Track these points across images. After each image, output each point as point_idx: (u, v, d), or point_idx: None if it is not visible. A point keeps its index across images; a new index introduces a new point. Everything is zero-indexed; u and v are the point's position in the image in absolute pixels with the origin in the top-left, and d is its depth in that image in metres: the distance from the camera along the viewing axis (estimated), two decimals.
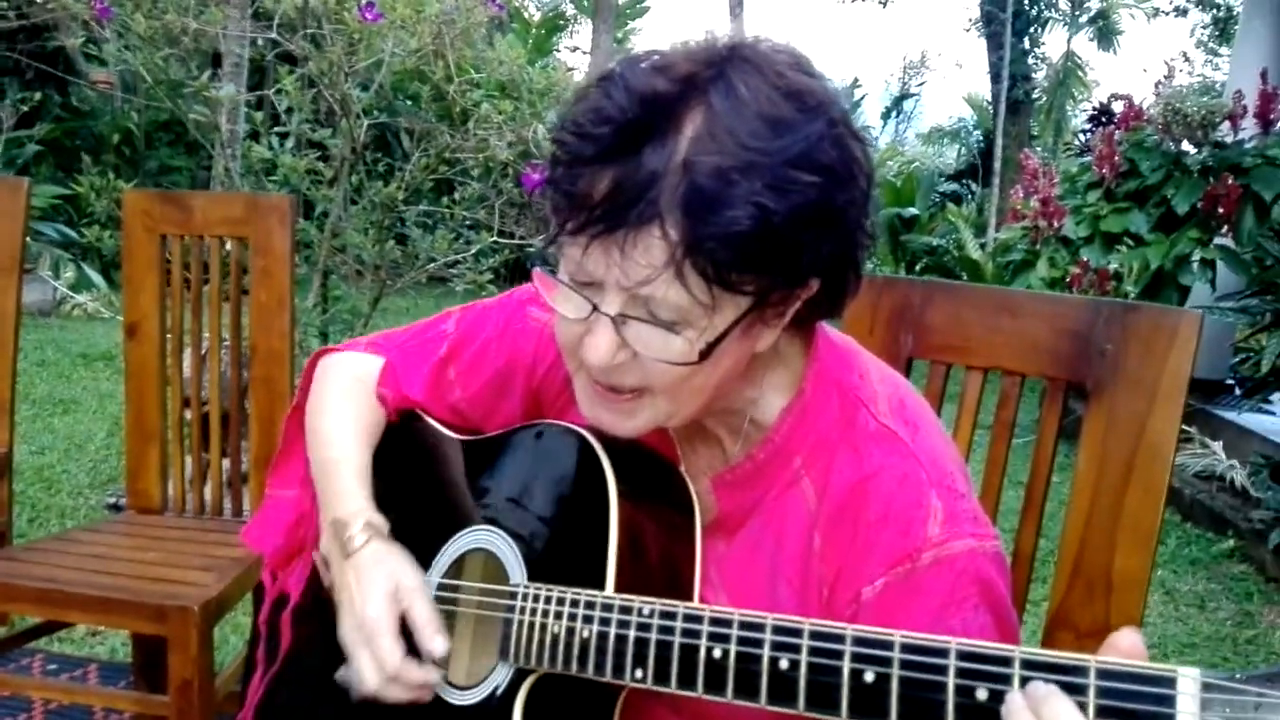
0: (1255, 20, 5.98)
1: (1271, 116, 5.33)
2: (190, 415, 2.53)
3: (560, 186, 0.84)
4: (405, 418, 1.19)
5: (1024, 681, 0.68)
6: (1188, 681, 0.63)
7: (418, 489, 1.14)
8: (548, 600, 0.93)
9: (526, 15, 13.96)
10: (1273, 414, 4.69)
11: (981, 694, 0.70)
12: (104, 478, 4.19)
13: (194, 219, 2.16)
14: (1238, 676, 0.62)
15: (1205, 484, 4.67)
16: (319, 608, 1.13)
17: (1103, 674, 0.66)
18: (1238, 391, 4.78)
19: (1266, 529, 3.96)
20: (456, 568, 1.06)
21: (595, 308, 0.85)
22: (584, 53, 14.10)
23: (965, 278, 8.76)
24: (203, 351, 2.91)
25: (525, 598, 0.95)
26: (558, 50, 14.71)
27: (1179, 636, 3.41)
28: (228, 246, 2.16)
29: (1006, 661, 0.70)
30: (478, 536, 1.05)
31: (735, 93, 0.81)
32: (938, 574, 0.87)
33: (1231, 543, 4.21)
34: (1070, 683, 0.66)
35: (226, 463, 2.25)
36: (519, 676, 0.95)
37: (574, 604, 0.91)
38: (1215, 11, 14.95)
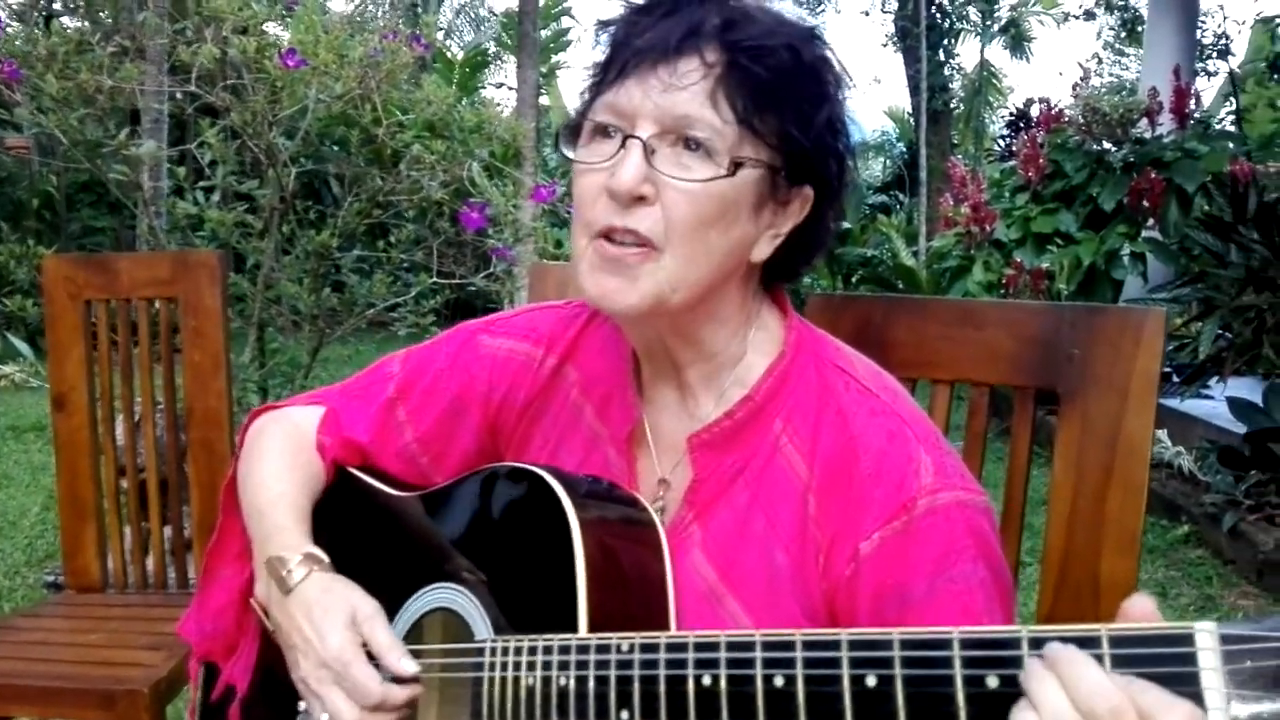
0: (1162, 20, 6.18)
1: (1186, 111, 5.49)
2: (127, 485, 2.42)
3: (609, 41, 0.93)
4: (344, 479, 1.12)
5: None
6: (1205, 636, 0.59)
7: (363, 555, 1.05)
8: (518, 651, 0.88)
9: (449, 55, 13.94)
10: (1212, 399, 4.78)
11: (992, 681, 0.66)
12: (41, 554, 4.03)
13: (120, 281, 2.07)
14: (1253, 621, 0.59)
15: (1155, 472, 4.74)
16: (269, 694, 1.06)
17: (1116, 641, 0.62)
18: (1176, 379, 4.87)
19: (1219, 512, 4.03)
20: (415, 633, 1.00)
21: (627, 136, 0.88)
22: (510, 89, 14.12)
23: (902, 286, 8.86)
24: (136, 418, 2.81)
25: (494, 652, 0.89)
26: (482, 88, 14.72)
27: None
28: (156, 307, 2.08)
29: (1013, 643, 0.65)
30: (436, 596, 0.99)
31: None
32: (933, 524, 0.87)
33: (1186, 528, 4.27)
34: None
35: (168, 531, 2.16)
36: None
37: (547, 651, 0.86)
38: (1122, 13, 15.41)
